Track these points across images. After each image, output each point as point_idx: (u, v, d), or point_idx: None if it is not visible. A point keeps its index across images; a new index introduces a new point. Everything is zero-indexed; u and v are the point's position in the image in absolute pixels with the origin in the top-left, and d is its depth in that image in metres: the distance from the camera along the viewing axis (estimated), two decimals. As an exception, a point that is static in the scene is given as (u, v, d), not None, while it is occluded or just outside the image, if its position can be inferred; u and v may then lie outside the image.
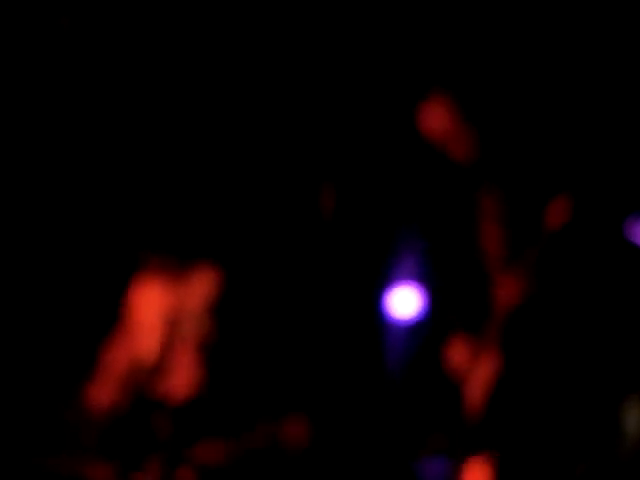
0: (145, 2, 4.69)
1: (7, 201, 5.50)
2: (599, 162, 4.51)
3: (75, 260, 6.16)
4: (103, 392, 4.30)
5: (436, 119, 4.51)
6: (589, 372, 4.61)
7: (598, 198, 4.52)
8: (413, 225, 6.10)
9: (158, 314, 4.26)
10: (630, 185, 4.56)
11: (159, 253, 4.35)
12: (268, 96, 5.25)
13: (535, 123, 4.54)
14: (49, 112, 5.34)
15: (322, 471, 3.09)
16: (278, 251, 6.30)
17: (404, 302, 5.62)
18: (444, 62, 4.67)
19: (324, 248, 3.07)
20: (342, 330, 5.49)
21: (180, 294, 4.32)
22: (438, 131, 4.52)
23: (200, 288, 4.33)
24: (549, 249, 4.51)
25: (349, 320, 5.85)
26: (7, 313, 5.81)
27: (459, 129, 4.44)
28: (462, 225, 5.06)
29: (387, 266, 6.09)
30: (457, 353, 4.79)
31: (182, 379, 4.19)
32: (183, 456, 4.20)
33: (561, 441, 5.12)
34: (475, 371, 4.72)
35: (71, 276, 6.13)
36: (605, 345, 4.62)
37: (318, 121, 4.95)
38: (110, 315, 5.13)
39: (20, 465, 5.50)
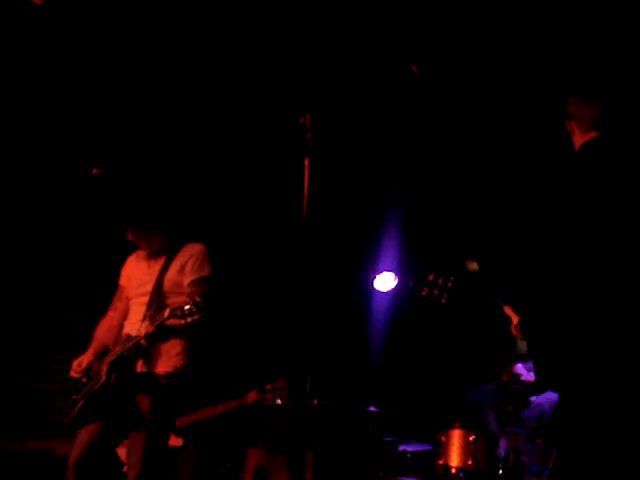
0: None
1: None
2: None
3: (62, 237, 6.20)
4: (85, 366, 4.32)
5: None
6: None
7: None
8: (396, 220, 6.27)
9: (142, 291, 4.29)
10: None
11: (145, 234, 4.37)
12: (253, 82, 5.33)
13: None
14: (32, 95, 5.39)
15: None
16: (266, 241, 6.36)
17: (385, 281, 6.51)
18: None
19: (308, 238, 3.07)
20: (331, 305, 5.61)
21: (165, 271, 4.34)
22: None
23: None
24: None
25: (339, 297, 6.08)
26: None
27: None
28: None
29: (372, 252, 6.43)
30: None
31: (166, 355, 4.20)
32: (167, 429, 4.21)
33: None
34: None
35: (58, 253, 6.17)
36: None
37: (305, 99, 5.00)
38: (94, 290, 5.14)
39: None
